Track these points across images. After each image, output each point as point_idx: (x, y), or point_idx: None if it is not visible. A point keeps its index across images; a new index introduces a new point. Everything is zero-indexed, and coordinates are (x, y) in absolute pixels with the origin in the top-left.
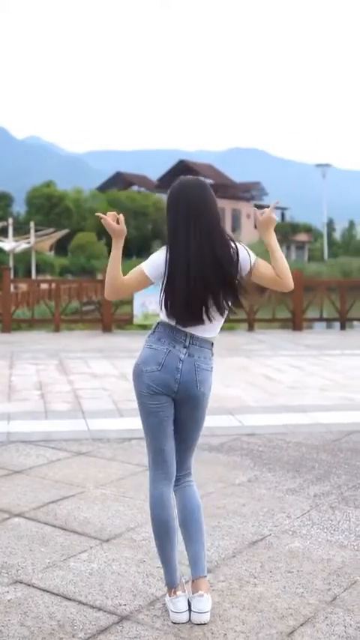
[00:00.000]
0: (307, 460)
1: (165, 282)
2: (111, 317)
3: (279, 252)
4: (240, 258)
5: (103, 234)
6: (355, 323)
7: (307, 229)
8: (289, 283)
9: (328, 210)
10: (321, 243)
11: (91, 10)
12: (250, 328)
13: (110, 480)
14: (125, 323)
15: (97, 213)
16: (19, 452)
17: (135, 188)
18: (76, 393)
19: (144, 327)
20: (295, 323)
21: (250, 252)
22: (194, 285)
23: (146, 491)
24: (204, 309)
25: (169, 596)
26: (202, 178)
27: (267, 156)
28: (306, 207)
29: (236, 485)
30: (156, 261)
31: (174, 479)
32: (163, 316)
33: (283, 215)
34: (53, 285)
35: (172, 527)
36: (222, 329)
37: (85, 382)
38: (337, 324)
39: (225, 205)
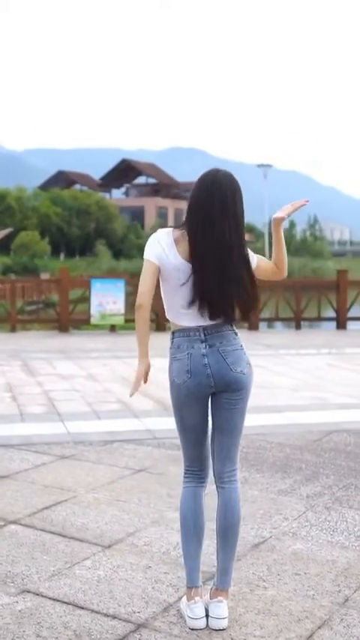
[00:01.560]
0: (293, 461)
1: (193, 278)
2: (68, 317)
3: (284, 244)
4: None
5: (46, 232)
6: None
7: (249, 229)
8: (285, 273)
9: (270, 211)
10: (263, 243)
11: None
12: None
13: (101, 484)
14: (82, 323)
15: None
16: (1, 456)
17: (77, 187)
18: (49, 395)
19: (101, 327)
20: (251, 322)
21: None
22: (227, 284)
23: (139, 494)
24: (231, 306)
25: (188, 600)
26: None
27: (206, 155)
28: (247, 207)
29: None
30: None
31: (208, 478)
32: (174, 319)
33: None
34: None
35: (200, 526)
36: None
37: (54, 384)
38: (292, 324)
39: (168, 205)
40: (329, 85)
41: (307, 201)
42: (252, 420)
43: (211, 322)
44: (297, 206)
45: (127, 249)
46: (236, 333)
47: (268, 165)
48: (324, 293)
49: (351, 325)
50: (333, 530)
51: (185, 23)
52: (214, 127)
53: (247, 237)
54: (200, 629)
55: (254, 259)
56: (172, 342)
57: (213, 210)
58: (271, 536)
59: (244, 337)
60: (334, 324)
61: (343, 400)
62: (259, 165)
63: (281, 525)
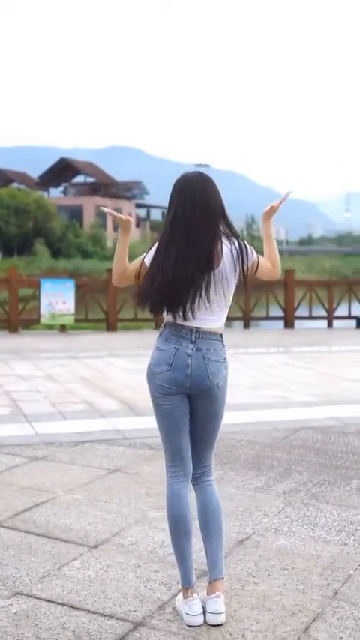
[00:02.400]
0: (265, 458)
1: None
2: (17, 317)
3: (274, 240)
4: (243, 255)
5: None
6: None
7: None
8: (279, 271)
9: None
10: None
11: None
12: (157, 327)
13: (78, 485)
14: (31, 323)
15: (101, 208)
16: None
17: (15, 185)
18: (11, 396)
19: (51, 327)
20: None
21: (251, 248)
22: (179, 275)
23: (118, 494)
24: (183, 299)
25: (184, 597)
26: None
27: (144, 155)
28: None
29: None
30: (152, 250)
31: (190, 476)
32: (165, 315)
33: (163, 214)
34: None
35: (189, 524)
36: (127, 328)
37: (15, 384)
38: (242, 323)
39: (107, 204)
40: (264, 86)
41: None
42: (232, 418)
43: (205, 327)
44: (284, 198)
45: (65, 248)
46: (224, 345)
47: (206, 165)
48: (272, 292)
49: (298, 324)
50: (314, 526)
51: (86, 24)
52: (151, 126)
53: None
54: (198, 626)
55: (254, 256)
56: (161, 334)
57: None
58: (254, 533)
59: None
60: (282, 323)
61: (305, 398)
62: (197, 165)
63: (262, 521)
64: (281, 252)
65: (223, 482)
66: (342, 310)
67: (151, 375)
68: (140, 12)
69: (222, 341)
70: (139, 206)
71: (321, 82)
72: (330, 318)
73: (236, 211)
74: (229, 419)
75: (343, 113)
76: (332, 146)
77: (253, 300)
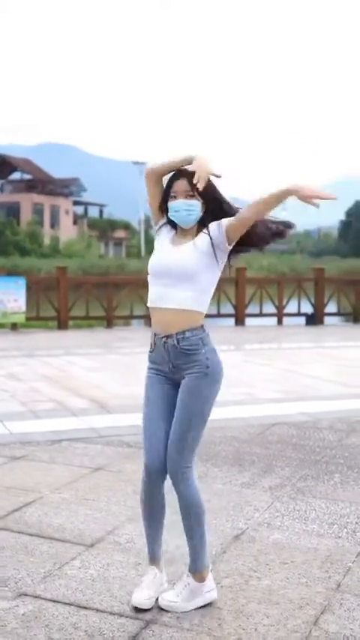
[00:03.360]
0: (245, 454)
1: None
2: None
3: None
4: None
5: None
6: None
7: (125, 226)
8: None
9: (144, 208)
10: (138, 239)
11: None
12: (109, 325)
13: (63, 484)
14: None
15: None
16: None
17: None
18: None
19: (1, 325)
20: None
21: (221, 222)
22: None
23: (105, 493)
24: None
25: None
26: None
27: (81, 152)
28: (124, 204)
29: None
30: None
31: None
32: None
33: (101, 212)
34: None
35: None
36: (79, 327)
37: None
38: None
39: (44, 201)
40: (195, 85)
41: (335, 197)
42: None
43: None
44: (322, 196)
45: (2, 245)
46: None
47: (143, 163)
48: (222, 289)
49: (249, 321)
50: (305, 520)
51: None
52: (88, 123)
53: (123, 233)
54: (210, 620)
55: (221, 227)
56: (207, 332)
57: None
58: (247, 528)
59: (146, 335)
60: (232, 320)
61: (272, 395)
62: (134, 163)
63: (254, 516)
64: None
65: (207, 479)
66: (291, 307)
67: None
68: (140, 12)
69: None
70: (76, 203)
71: (270, 81)
72: (280, 315)
73: None
74: None
75: (284, 112)
76: (268, 145)
77: None
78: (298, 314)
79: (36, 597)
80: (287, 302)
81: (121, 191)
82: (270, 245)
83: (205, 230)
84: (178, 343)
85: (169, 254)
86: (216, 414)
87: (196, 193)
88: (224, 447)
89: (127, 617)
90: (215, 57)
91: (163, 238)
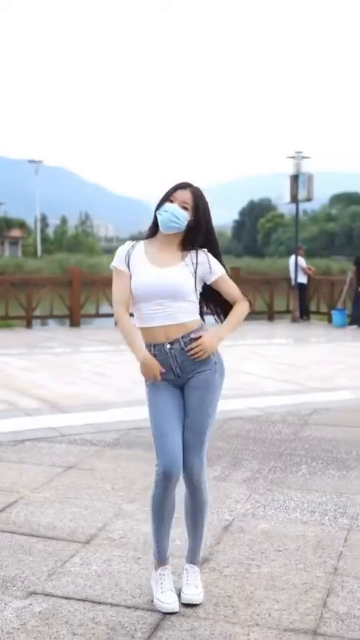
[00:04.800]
0: (209, 449)
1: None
2: None
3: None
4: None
5: None
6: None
7: (21, 225)
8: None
9: (41, 206)
10: (34, 239)
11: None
12: (28, 325)
13: (40, 484)
14: None
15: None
16: None
17: None
18: None
19: None
20: (73, 319)
21: (214, 269)
22: None
23: (85, 491)
24: None
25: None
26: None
27: None
28: (19, 202)
29: None
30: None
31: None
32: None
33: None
34: None
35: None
36: None
37: None
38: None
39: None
40: (95, 85)
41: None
42: (144, 413)
43: None
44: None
45: None
46: None
47: (39, 162)
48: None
49: None
50: (286, 509)
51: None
52: None
53: (18, 232)
54: (225, 608)
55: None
56: (207, 329)
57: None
58: (233, 519)
59: (75, 334)
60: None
61: None
62: (30, 162)
63: (236, 508)
64: (112, 250)
65: None
66: None
67: None
68: (140, 14)
69: None
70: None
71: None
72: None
73: (71, 208)
74: None
75: (176, 114)
76: (163, 144)
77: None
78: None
79: (47, 595)
80: None
81: (16, 190)
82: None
83: (192, 255)
84: (185, 346)
85: (159, 276)
86: None
87: (190, 208)
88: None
89: (142, 609)
90: (215, 58)
91: (139, 257)
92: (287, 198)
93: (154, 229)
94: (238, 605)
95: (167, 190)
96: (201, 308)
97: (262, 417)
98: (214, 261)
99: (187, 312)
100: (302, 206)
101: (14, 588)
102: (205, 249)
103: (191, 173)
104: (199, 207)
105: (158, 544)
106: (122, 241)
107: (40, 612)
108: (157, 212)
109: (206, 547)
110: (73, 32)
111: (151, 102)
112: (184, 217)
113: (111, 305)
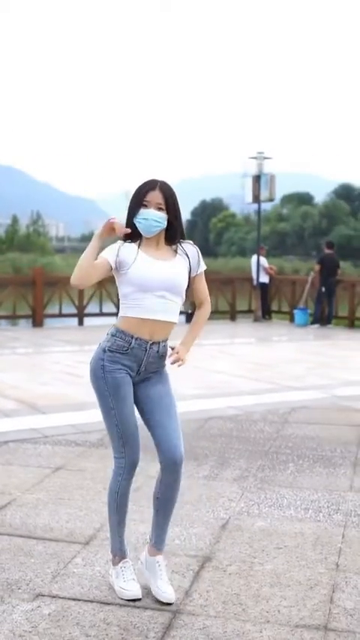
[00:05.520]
0: (194, 448)
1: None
2: None
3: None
4: None
5: None
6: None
7: None
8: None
9: None
10: None
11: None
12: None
13: (31, 485)
14: None
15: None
16: None
17: None
18: None
19: None
20: (36, 319)
21: (200, 264)
22: None
23: (77, 491)
24: None
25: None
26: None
27: None
28: None
29: (154, 478)
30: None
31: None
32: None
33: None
34: None
35: None
36: None
37: None
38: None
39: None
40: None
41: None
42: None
43: None
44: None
45: None
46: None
47: None
48: (105, 288)
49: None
50: (280, 507)
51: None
52: None
53: None
54: (234, 605)
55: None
56: None
57: None
58: (229, 517)
59: (40, 334)
60: (114, 318)
61: (193, 391)
62: None
63: (231, 506)
64: (64, 250)
65: None
66: None
67: None
68: (140, 14)
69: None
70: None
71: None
72: None
73: (22, 207)
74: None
75: (127, 114)
76: (112, 143)
77: (87, 296)
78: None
79: (54, 597)
80: None
81: None
82: (109, 243)
83: (181, 248)
84: (161, 349)
85: (163, 268)
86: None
87: (165, 207)
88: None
89: (152, 609)
90: (214, 59)
91: (135, 253)
92: (249, 198)
93: (134, 233)
94: (247, 602)
95: (136, 193)
96: None
97: (243, 416)
98: (200, 255)
99: (177, 310)
100: (254, 206)
101: (20, 591)
102: (191, 242)
103: (142, 173)
104: (170, 203)
105: (120, 538)
106: (73, 241)
107: (49, 614)
108: (136, 220)
109: (206, 545)
110: (73, 32)
111: (102, 102)
112: (163, 218)
113: (74, 304)
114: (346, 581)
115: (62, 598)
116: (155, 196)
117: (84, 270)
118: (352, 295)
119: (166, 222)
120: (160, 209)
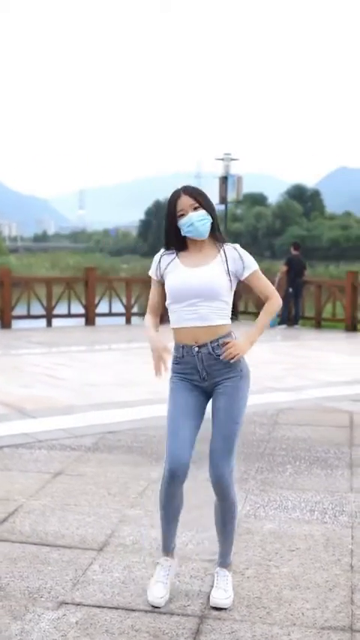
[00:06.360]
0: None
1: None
2: None
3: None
4: None
5: None
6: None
7: None
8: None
9: None
10: None
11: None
12: None
13: (34, 491)
14: None
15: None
16: None
17: None
18: None
19: None
20: (4, 320)
21: (245, 263)
22: None
23: (81, 496)
24: None
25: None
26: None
27: None
28: None
29: (158, 482)
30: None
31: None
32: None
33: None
34: None
35: None
36: None
37: None
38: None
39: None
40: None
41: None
42: (114, 417)
43: None
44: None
45: None
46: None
47: None
48: (73, 289)
49: (99, 321)
50: (285, 509)
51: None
52: None
53: None
54: (257, 609)
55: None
56: (236, 337)
57: None
58: (238, 520)
59: (3, 336)
60: (82, 320)
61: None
62: None
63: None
64: (17, 250)
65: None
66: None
67: None
68: (140, 14)
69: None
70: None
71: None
72: (128, 315)
73: None
74: (123, 416)
75: (80, 113)
76: (65, 142)
77: (56, 297)
78: (143, 313)
79: (78, 605)
80: (136, 301)
81: None
82: (68, 243)
83: (223, 252)
84: (213, 351)
85: (192, 277)
86: (133, 414)
87: (199, 205)
88: (159, 447)
89: (178, 615)
90: (214, 60)
91: (172, 264)
92: (216, 199)
93: (178, 245)
94: (270, 606)
95: (167, 210)
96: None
97: None
98: (246, 255)
99: (218, 313)
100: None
101: (42, 599)
102: (236, 245)
103: (96, 172)
104: (202, 202)
105: (165, 534)
106: (26, 240)
107: (77, 622)
108: (186, 231)
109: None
110: (72, 32)
111: (56, 101)
112: (205, 214)
113: (42, 305)
114: None
115: (87, 606)
116: (185, 201)
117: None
118: (319, 296)
119: (210, 217)
120: (195, 209)
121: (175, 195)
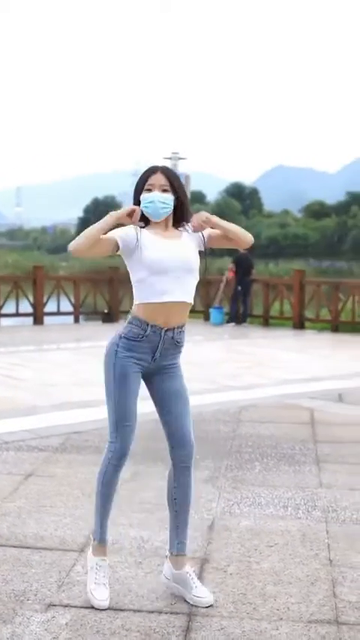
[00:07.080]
0: (154, 451)
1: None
2: None
3: (229, 226)
4: None
5: None
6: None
7: None
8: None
9: None
10: None
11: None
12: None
13: (8, 492)
14: None
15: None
16: None
17: None
18: None
19: None
20: None
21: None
22: None
23: (56, 497)
24: None
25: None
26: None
27: None
28: None
29: (131, 482)
30: None
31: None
32: None
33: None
34: None
35: None
36: None
37: None
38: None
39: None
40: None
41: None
42: (79, 416)
43: None
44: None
45: None
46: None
47: None
48: (21, 288)
49: (47, 320)
50: (259, 505)
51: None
52: None
53: None
54: (244, 605)
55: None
56: None
57: None
58: (214, 518)
59: None
60: (31, 319)
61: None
62: None
63: (212, 507)
64: None
65: (143, 477)
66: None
67: None
68: (140, 14)
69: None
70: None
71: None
72: (76, 314)
73: None
74: (88, 416)
75: (23, 109)
76: (1, 138)
77: (3, 296)
78: (95, 312)
79: (66, 606)
80: (84, 300)
81: None
82: (5, 241)
83: (188, 229)
84: (176, 336)
85: (172, 248)
86: (96, 413)
87: (170, 188)
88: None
89: (166, 613)
90: (214, 60)
91: (145, 236)
92: None
93: (144, 220)
94: (255, 601)
95: (138, 181)
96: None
97: (194, 416)
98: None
99: (192, 290)
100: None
101: (29, 602)
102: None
103: (35, 169)
104: (175, 184)
105: (102, 522)
106: None
107: (67, 624)
108: (143, 206)
109: (200, 547)
110: (73, 32)
111: (58, 98)
112: (169, 199)
113: None
114: (343, 576)
115: (75, 607)
116: (158, 179)
117: (89, 239)
118: (267, 294)
119: (172, 205)
120: (164, 191)
121: (150, 171)
